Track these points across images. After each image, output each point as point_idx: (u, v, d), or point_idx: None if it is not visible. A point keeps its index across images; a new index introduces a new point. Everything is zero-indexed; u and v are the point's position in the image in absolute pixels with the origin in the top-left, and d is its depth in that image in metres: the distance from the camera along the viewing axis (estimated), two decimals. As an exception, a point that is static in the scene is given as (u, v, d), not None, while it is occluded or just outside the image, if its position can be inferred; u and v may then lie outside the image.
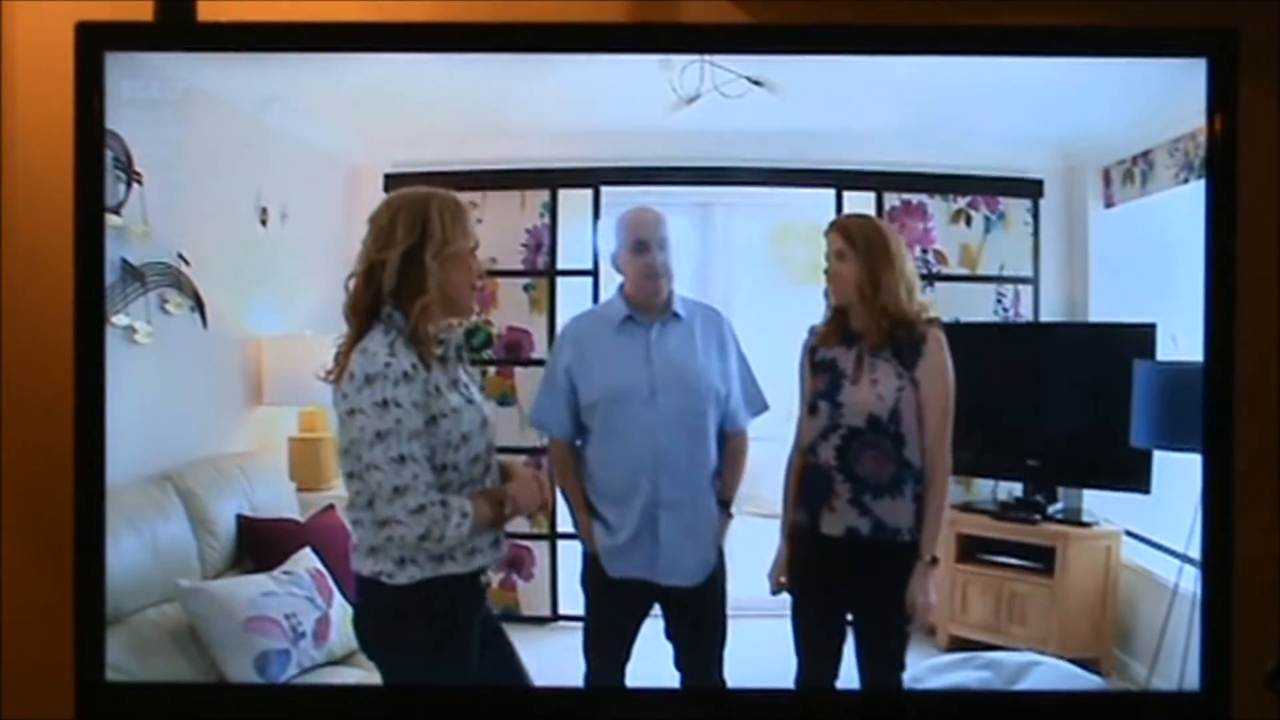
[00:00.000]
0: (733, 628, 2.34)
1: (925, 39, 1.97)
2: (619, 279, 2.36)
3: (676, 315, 2.33)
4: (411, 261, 1.86)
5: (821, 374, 2.25)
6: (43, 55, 2.04)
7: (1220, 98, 1.85)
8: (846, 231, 2.23)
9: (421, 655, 1.90)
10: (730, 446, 2.35)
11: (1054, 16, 2.02)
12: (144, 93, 1.98)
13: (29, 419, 2.11)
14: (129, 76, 1.93)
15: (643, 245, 2.30)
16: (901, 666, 2.23)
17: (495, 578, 2.84)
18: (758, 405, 2.38)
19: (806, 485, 2.25)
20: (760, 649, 2.36)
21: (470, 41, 1.98)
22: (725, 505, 2.34)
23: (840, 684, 2.24)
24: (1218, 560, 1.87)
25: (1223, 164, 1.86)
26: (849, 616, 2.26)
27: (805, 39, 1.99)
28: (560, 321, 2.89)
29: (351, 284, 1.90)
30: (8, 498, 2.12)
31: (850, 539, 2.21)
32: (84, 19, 1.86)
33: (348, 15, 2.01)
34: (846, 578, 2.23)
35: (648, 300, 2.32)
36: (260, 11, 1.95)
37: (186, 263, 2.42)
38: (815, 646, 2.26)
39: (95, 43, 1.84)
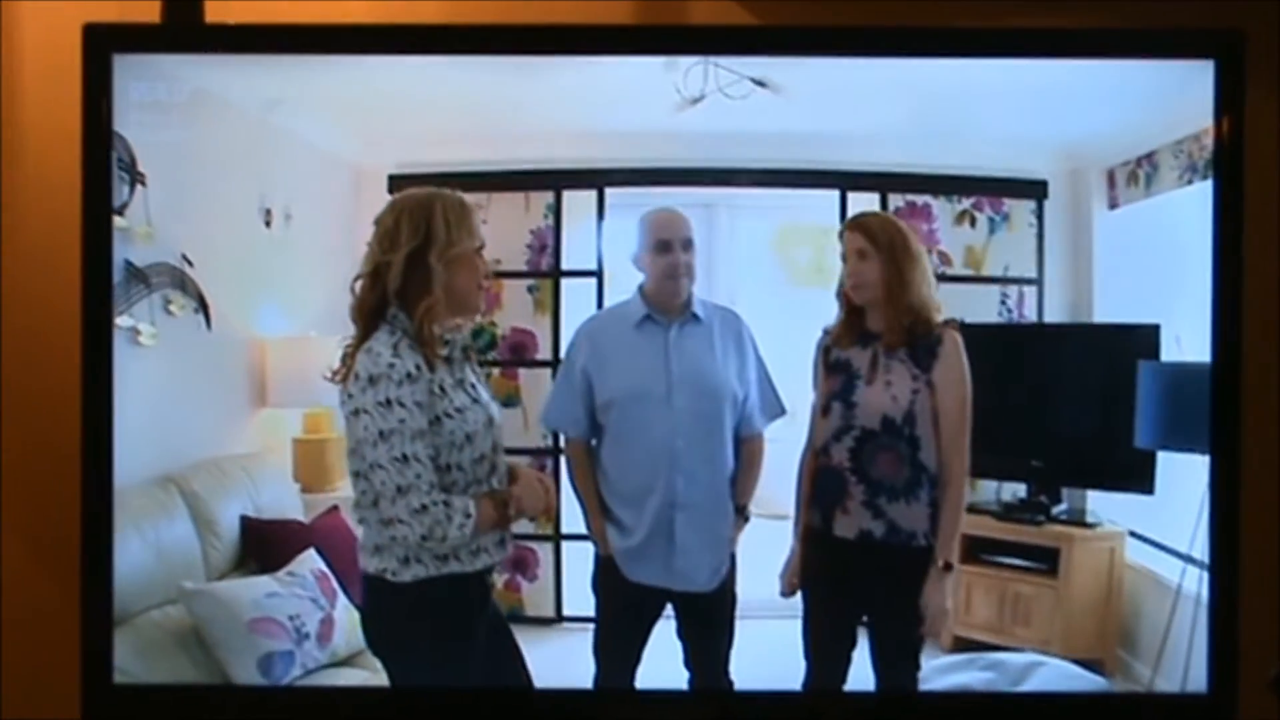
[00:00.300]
0: (741, 629, 2.33)
1: (930, 41, 1.97)
2: (639, 278, 2.34)
3: (696, 317, 2.32)
4: (416, 263, 1.87)
5: (835, 374, 2.23)
6: (50, 57, 2.04)
7: (1227, 100, 1.85)
8: (868, 230, 2.19)
9: (426, 654, 1.91)
10: (746, 451, 2.34)
11: (1058, 19, 2.03)
12: (150, 94, 1.98)
13: (34, 420, 2.11)
14: (135, 78, 1.92)
15: (666, 245, 2.29)
16: (916, 668, 2.22)
17: (500, 578, 2.84)
18: (775, 410, 2.37)
19: (819, 487, 2.24)
20: (768, 650, 2.35)
21: (475, 44, 1.98)
22: (741, 510, 2.34)
23: (848, 687, 2.23)
24: (1224, 562, 1.87)
25: (1229, 166, 1.86)
26: (861, 619, 2.25)
27: (809, 40, 1.99)
28: (565, 323, 2.88)
29: (358, 286, 1.91)
30: (13, 499, 2.12)
31: (863, 542, 2.19)
32: (91, 20, 1.86)
33: (354, 17, 2.02)
34: (859, 581, 2.21)
35: (668, 301, 2.31)
36: (267, 13, 1.95)
37: (190, 264, 2.41)
38: (825, 649, 2.25)
39: (103, 45, 1.84)
